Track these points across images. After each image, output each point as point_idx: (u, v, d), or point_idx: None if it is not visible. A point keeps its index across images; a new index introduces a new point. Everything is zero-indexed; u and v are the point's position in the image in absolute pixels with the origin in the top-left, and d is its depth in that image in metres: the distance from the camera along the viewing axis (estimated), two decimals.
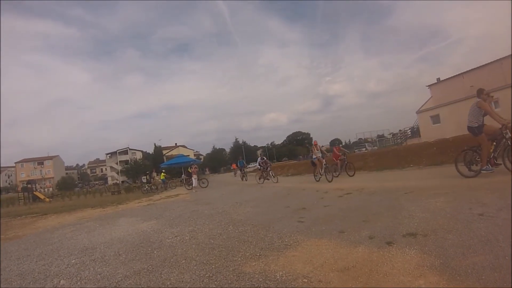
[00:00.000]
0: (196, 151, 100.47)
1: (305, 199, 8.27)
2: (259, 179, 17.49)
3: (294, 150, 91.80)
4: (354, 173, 13.82)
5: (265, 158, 18.37)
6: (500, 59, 27.94)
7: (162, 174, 27.27)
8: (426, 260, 2.94)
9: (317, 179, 13.58)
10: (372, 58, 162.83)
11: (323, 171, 13.33)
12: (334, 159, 14.88)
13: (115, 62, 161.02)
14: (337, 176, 13.60)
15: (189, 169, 21.45)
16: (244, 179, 22.38)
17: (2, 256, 5.47)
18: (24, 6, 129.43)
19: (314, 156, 14.15)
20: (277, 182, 16.24)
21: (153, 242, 5.26)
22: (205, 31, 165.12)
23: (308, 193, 9.42)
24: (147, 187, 22.39)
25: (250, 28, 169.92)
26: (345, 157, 14.69)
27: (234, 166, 43.62)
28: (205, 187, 19.87)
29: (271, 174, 17.04)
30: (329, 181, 12.27)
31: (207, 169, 76.76)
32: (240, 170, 24.00)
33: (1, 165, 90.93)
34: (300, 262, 3.36)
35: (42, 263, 4.74)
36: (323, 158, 13.61)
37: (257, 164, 18.57)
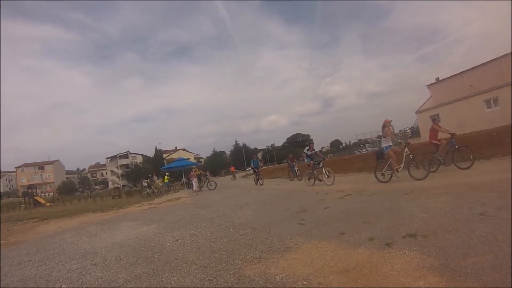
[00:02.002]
0: (197, 154, 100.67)
1: (305, 201, 8.28)
2: (309, 179, 12.84)
3: (294, 152, 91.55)
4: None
5: (315, 150, 13.41)
6: (499, 57, 27.92)
7: (166, 177, 27.43)
8: (426, 261, 2.95)
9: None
10: (371, 59, 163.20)
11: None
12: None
13: (115, 65, 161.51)
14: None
15: (199, 172, 21.51)
16: (258, 182, 18.49)
17: (4, 261, 5.47)
18: (24, 10, 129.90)
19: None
20: (332, 183, 11.52)
21: (154, 246, 5.26)
22: (205, 34, 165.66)
23: (308, 195, 9.42)
24: (148, 191, 22.32)
25: (249, 30, 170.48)
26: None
27: (233, 169, 42.91)
28: (213, 189, 19.72)
29: (325, 171, 12.19)
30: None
31: (207, 172, 76.65)
32: (254, 172, 19.65)
33: (2, 170, 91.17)
34: (300, 265, 3.37)
35: (44, 268, 4.75)
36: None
37: (307, 159, 13.18)
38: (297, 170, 18.61)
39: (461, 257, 2.90)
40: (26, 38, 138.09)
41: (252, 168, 20.32)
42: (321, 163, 12.54)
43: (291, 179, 19.12)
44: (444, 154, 10.05)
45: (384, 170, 9.76)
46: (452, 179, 7.69)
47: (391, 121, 9.93)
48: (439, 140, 10.25)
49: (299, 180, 17.24)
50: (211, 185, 20.62)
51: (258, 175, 18.75)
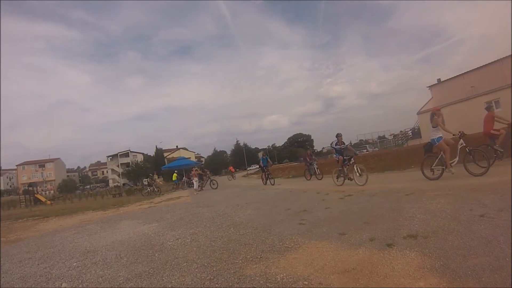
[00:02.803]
0: (197, 154, 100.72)
1: (306, 201, 8.27)
2: (337, 178, 11.58)
3: (295, 152, 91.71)
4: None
5: (344, 143, 11.65)
6: (501, 59, 27.91)
7: (175, 175, 27.81)
8: (427, 261, 2.95)
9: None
10: (373, 59, 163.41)
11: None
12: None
13: (117, 64, 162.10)
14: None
15: (200, 171, 21.23)
16: (269, 182, 16.86)
17: (4, 259, 5.48)
18: (26, 8, 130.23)
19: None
20: (364, 184, 10.01)
21: (154, 245, 5.27)
22: (207, 33, 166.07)
23: (309, 195, 9.42)
24: (148, 189, 22.32)
25: (251, 30, 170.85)
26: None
27: (231, 169, 42.14)
28: (215, 188, 19.49)
29: (356, 169, 10.59)
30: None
31: (208, 172, 76.56)
32: (263, 170, 17.70)
33: (3, 168, 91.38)
34: (300, 265, 3.37)
35: (44, 266, 4.75)
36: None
37: (336, 154, 11.83)
38: (317, 168, 16.71)
39: (461, 258, 2.90)
40: (28, 36, 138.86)
41: (260, 166, 18.04)
42: (352, 158, 11.06)
43: (308, 178, 17.15)
44: (503, 145, 9.05)
45: (434, 165, 8.58)
46: (453, 181, 7.68)
47: (440, 108, 9.62)
48: (497, 130, 9.21)
49: (319, 179, 15.95)
50: (213, 184, 20.29)
51: (267, 174, 17.14)
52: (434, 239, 3.51)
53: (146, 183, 23.88)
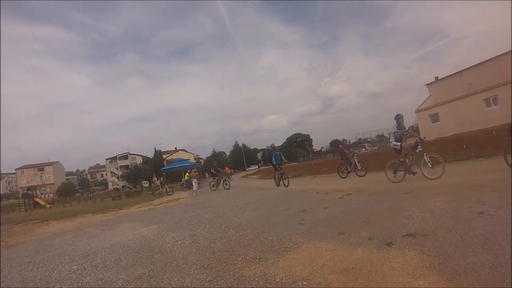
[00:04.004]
0: (196, 155, 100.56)
1: (305, 201, 8.27)
2: (395, 172, 9.51)
3: (294, 152, 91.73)
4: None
5: (406, 128, 9.69)
6: (498, 56, 27.97)
7: (187, 174, 27.88)
8: (426, 260, 2.95)
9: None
10: (371, 59, 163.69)
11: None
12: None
13: (116, 65, 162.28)
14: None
15: (213, 170, 20.59)
16: (282, 183, 14.77)
17: (4, 263, 5.47)
18: (25, 11, 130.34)
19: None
20: (438, 177, 8.05)
21: (154, 247, 5.26)
22: (206, 34, 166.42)
23: (308, 195, 9.42)
24: (160, 190, 22.36)
25: (250, 30, 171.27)
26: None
27: (227, 169, 40.79)
28: (228, 189, 18.19)
29: (426, 159, 8.41)
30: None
31: (206, 174, 76.47)
32: (276, 169, 15.44)
33: (2, 172, 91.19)
34: (300, 265, 3.37)
35: (44, 269, 4.74)
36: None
37: (396, 141, 9.45)
38: (358, 162, 13.81)
39: (460, 256, 2.91)
40: (27, 38, 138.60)
41: (273, 165, 15.73)
42: (419, 146, 8.79)
43: (344, 175, 14.30)
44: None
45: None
46: (451, 178, 7.69)
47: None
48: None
49: (361, 176, 13.24)
50: (226, 184, 18.97)
51: (281, 174, 14.98)
52: (433, 238, 3.52)
53: (159, 183, 23.69)
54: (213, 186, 19.73)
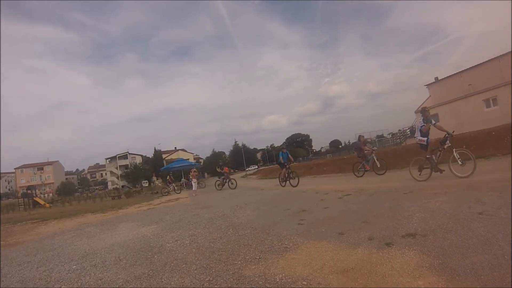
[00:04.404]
0: (196, 155, 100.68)
1: (305, 201, 8.27)
2: (420, 170, 8.70)
3: (294, 152, 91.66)
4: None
5: (433, 121, 8.60)
6: (498, 57, 27.98)
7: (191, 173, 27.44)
8: (425, 260, 2.95)
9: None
10: (371, 59, 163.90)
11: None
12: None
13: (115, 65, 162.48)
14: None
15: (219, 169, 20.67)
16: (289, 182, 13.85)
17: (3, 262, 5.47)
18: (25, 10, 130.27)
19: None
20: (469, 175, 7.47)
21: (154, 246, 5.26)
22: (206, 34, 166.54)
23: (308, 195, 9.41)
24: (169, 188, 22.39)
25: (250, 30, 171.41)
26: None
27: (226, 169, 39.42)
28: (234, 188, 17.92)
29: (456, 155, 7.73)
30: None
31: (206, 173, 76.46)
32: (283, 167, 14.53)
33: (2, 171, 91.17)
34: (299, 265, 3.37)
35: (43, 269, 4.74)
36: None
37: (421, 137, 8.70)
38: (377, 159, 12.74)
39: (460, 256, 2.91)
40: (27, 38, 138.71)
41: (280, 163, 14.84)
42: (447, 141, 8.05)
43: (360, 174, 13.25)
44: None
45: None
46: (451, 179, 7.69)
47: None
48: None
49: (381, 174, 12.35)
50: (232, 183, 18.68)
51: (289, 173, 13.95)
52: (433, 238, 3.51)
53: (170, 181, 23.73)
54: (218, 185, 19.46)
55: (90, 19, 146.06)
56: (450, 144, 7.96)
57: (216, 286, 3.12)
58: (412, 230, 3.92)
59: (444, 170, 8.04)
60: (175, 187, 22.30)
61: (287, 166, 14.14)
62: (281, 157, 14.66)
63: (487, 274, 2.50)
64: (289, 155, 14.71)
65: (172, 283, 3.37)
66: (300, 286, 2.84)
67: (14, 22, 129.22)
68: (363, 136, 14.30)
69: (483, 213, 4.10)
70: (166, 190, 22.58)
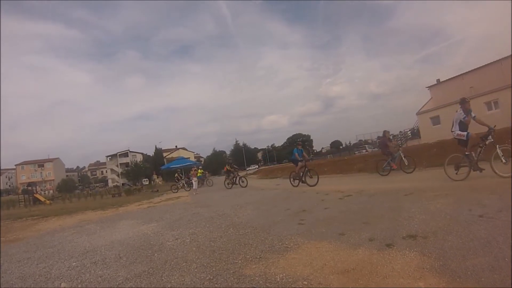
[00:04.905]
0: (197, 154, 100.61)
1: (305, 201, 8.27)
2: (457, 169, 7.97)
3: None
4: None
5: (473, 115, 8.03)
6: (500, 59, 27.96)
7: (200, 170, 27.61)
8: (426, 262, 2.95)
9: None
10: (373, 59, 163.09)
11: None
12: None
13: (117, 64, 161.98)
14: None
15: (229, 167, 19.64)
16: (305, 181, 12.71)
17: (3, 259, 5.47)
18: (25, 8, 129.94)
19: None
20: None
21: (154, 244, 5.26)
22: (207, 33, 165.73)
23: (308, 195, 9.41)
24: (180, 184, 22.39)
25: (251, 30, 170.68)
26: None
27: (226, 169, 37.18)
28: (245, 187, 17.02)
29: (499, 152, 6.92)
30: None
31: (206, 172, 76.46)
32: (298, 165, 13.20)
33: (2, 168, 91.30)
34: (300, 265, 3.37)
35: (43, 265, 4.74)
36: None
37: (457, 132, 8.13)
38: (405, 156, 11.82)
39: (461, 258, 2.90)
40: (28, 35, 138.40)
41: (294, 160, 13.54)
42: (490, 136, 7.27)
43: (385, 173, 12.19)
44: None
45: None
46: (451, 181, 7.68)
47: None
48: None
49: (409, 172, 11.39)
50: (242, 181, 17.66)
51: (306, 170, 12.89)
52: (434, 239, 3.51)
53: (182, 178, 23.72)
54: (228, 184, 18.63)
55: (92, 17, 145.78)
56: (492, 140, 7.21)
57: (216, 285, 3.11)
58: (413, 232, 3.91)
59: (484, 169, 7.29)
60: (185, 184, 22.21)
61: (304, 163, 13.04)
62: (296, 154, 13.43)
63: (488, 276, 2.50)
64: (304, 153, 13.69)
65: (172, 281, 3.37)
66: (301, 286, 2.84)
67: (15, 19, 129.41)
68: (389, 132, 13.35)
69: (484, 215, 4.10)
70: (175, 186, 22.58)
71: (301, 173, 12.91)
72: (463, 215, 4.28)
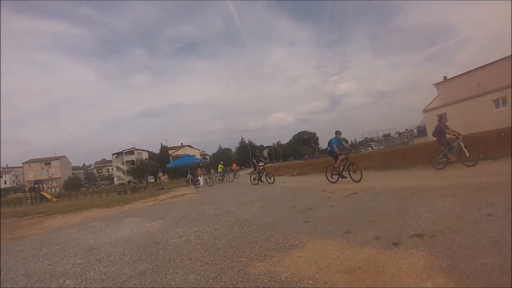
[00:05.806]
0: (202, 151, 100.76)
1: (311, 199, 8.22)
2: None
3: (300, 150, 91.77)
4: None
5: None
6: (507, 57, 27.58)
7: (220, 166, 27.33)
8: (434, 261, 2.90)
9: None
10: (379, 58, 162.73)
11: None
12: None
13: (123, 61, 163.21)
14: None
15: (254, 160, 18.12)
16: (349, 176, 10.86)
17: (8, 256, 5.51)
18: (32, 5, 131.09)
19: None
20: None
21: (158, 242, 5.26)
22: (213, 31, 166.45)
23: (314, 193, 9.36)
24: (201, 179, 22.09)
25: (258, 28, 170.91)
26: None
27: (234, 166, 34.32)
28: (272, 183, 15.57)
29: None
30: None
31: (212, 170, 76.71)
32: (337, 157, 11.34)
33: (9, 166, 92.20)
34: (305, 263, 3.33)
35: (48, 262, 4.76)
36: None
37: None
38: (465, 146, 9.93)
39: (469, 258, 2.85)
40: (35, 33, 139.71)
41: (332, 152, 11.65)
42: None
43: (440, 166, 10.63)
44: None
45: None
46: (459, 179, 7.60)
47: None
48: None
49: (470, 166, 9.59)
50: (269, 177, 16.20)
51: (349, 164, 11.00)
52: (441, 239, 3.46)
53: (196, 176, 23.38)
54: (254, 179, 17.18)
55: (99, 14, 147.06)
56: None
57: (220, 283, 3.09)
58: (420, 231, 3.86)
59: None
60: (207, 180, 21.72)
61: (345, 156, 11.16)
62: (334, 146, 11.45)
63: (497, 276, 2.45)
64: (344, 143, 11.80)
65: (177, 279, 3.35)
66: (306, 285, 2.81)
67: (22, 16, 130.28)
68: (443, 120, 11.65)
69: (493, 214, 4.03)
70: (198, 181, 22.33)
71: (341, 167, 11.21)
72: (472, 214, 4.21)
